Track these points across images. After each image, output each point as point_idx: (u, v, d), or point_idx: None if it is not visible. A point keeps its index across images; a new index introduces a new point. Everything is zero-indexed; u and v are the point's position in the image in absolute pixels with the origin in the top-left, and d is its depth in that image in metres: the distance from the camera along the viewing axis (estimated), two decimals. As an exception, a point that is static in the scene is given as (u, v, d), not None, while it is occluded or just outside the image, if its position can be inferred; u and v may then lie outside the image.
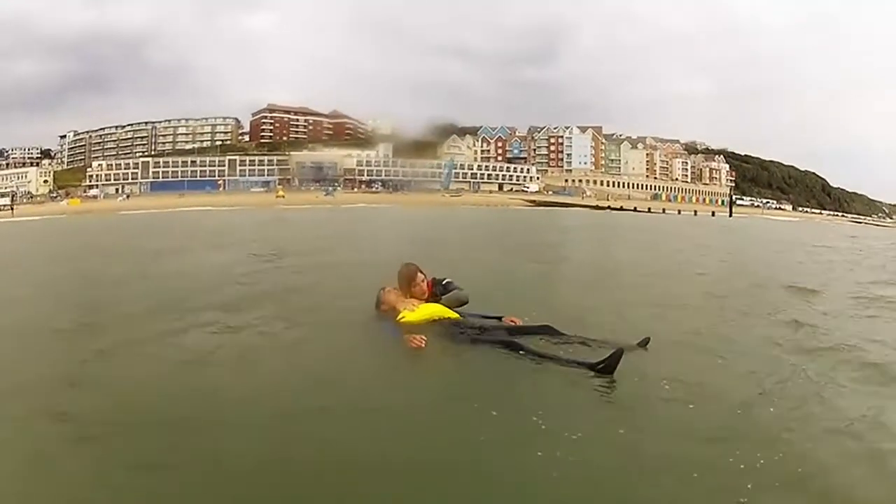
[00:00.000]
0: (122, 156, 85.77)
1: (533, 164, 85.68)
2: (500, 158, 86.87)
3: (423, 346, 3.38)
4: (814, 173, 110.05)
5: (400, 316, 3.80)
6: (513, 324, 3.91)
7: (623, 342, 3.29)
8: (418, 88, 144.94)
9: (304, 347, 3.65)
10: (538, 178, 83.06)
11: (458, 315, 3.84)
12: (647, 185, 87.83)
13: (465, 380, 3.06)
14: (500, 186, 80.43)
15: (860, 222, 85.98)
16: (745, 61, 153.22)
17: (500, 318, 4.00)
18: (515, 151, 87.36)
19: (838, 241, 17.36)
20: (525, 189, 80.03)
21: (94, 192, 73.34)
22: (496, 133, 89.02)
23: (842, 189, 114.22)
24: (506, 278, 6.80)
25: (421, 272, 4.12)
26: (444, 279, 4.13)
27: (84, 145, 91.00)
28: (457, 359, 3.36)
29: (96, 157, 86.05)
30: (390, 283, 4.17)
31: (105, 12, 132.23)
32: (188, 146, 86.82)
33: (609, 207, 61.56)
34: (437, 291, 4.04)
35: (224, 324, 4.08)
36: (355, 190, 76.74)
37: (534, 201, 71.81)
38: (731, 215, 52.52)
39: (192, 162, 79.91)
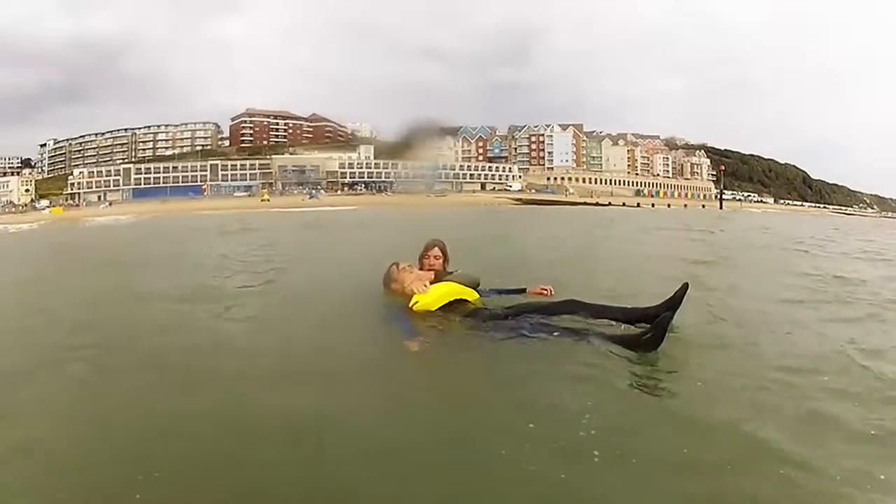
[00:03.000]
0: (103, 163, 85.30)
1: (514, 163, 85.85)
2: (481, 158, 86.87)
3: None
4: (794, 166, 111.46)
5: (413, 301, 3.25)
6: (544, 294, 3.59)
7: (655, 300, 2.88)
8: (396, 91, 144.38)
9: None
10: (520, 177, 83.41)
11: (475, 293, 3.38)
12: (628, 182, 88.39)
13: (478, 382, 2.43)
14: (483, 186, 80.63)
15: (845, 213, 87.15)
16: (720, 59, 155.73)
17: (523, 290, 3.66)
18: (496, 151, 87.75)
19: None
20: (508, 188, 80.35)
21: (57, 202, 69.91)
22: (477, 133, 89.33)
23: (822, 181, 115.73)
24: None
25: (443, 252, 3.83)
26: (451, 271, 3.74)
27: (64, 153, 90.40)
28: (472, 356, 2.72)
29: (77, 165, 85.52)
30: (404, 259, 3.75)
31: (81, 22, 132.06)
32: (168, 152, 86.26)
33: (597, 203, 62.06)
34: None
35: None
36: (338, 192, 76.78)
37: (521, 199, 72.35)
38: (721, 208, 53.54)
39: (173, 168, 79.37)
